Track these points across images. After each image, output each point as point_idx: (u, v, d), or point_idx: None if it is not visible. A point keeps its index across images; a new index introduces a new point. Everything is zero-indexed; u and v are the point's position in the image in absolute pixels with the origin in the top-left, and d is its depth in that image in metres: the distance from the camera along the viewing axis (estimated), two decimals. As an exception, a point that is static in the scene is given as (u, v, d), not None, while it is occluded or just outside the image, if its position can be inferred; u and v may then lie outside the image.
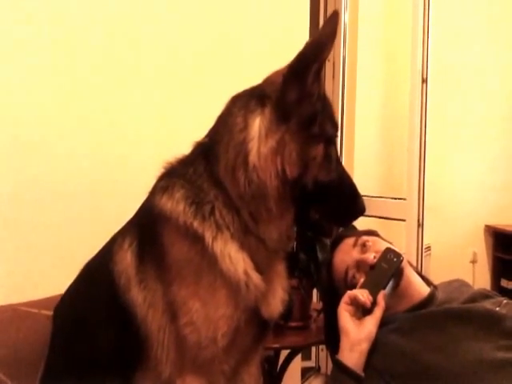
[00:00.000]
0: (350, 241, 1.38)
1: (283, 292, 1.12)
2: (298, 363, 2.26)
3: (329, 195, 1.04)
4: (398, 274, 1.26)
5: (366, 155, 3.06)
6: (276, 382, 1.93)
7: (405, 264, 1.28)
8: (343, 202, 1.08)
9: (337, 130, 1.09)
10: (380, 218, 2.59)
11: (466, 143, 3.74)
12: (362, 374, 1.15)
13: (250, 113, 1.01)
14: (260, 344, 1.16)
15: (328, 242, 1.81)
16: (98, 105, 1.69)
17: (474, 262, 3.92)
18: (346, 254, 1.36)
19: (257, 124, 1.00)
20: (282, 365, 1.93)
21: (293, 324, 1.80)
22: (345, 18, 2.95)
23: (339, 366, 1.16)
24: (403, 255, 1.27)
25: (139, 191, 1.14)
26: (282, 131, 0.99)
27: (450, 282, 1.44)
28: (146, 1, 1.85)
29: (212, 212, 1.02)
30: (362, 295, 1.19)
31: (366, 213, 2.80)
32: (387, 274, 1.24)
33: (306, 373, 3.01)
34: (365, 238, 1.36)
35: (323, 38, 0.98)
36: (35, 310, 1.26)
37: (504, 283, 3.91)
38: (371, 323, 1.18)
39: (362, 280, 1.26)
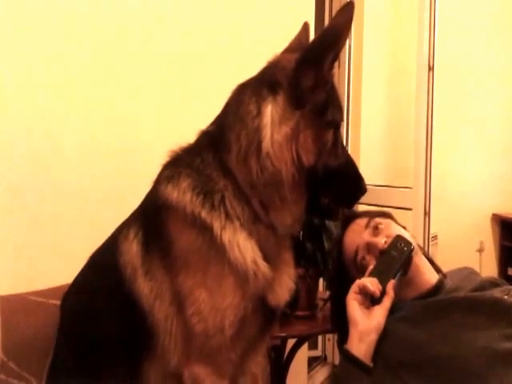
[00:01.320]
0: (362, 221, 1.36)
1: (290, 281, 1.12)
2: (304, 352, 2.27)
3: (337, 179, 1.06)
4: (407, 263, 1.25)
5: (372, 144, 3.05)
6: (282, 371, 1.94)
7: (415, 252, 1.27)
8: (349, 184, 1.10)
9: (343, 116, 1.10)
10: (387, 207, 2.59)
11: (473, 131, 3.71)
12: (371, 365, 1.15)
13: (262, 100, 1.00)
14: (267, 333, 1.16)
15: (334, 230, 1.81)
16: (100, 100, 1.68)
17: (480, 250, 3.91)
18: (357, 235, 1.34)
19: (269, 111, 0.99)
20: (288, 354, 1.94)
21: (299, 313, 1.80)
22: (354, 2, 2.92)
23: (348, 357, 1.16)
24: (413, 243, 1.26)
25: (144, 182, 1.14)
26: (297, 118, 0.99)
27: (459, 270, 1.44)
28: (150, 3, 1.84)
29: (222, 201, 1.02)
30: (372, 284, 1.19)
31: (373, 202, 2.81)
32: (397, 263, 1.23)
33: (312, 362, 3.02)
34: (378, 220, 1.34)
35: (340, 25, 0.98)
36: (43, 300, 1.27)
37: (511, 272, 3.90)
38: (380, 313, 1.17)
39: (371, 267, 1.26)
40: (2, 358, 1.18)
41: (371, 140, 3.05)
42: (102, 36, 1.69)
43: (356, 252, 1.33)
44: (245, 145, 1.00)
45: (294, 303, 1.70)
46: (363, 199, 2.76)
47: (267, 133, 0.99)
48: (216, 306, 1.01)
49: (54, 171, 1.55)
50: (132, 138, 1.76)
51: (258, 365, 1.18)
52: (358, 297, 1.19)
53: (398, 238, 1.26)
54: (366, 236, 1.32)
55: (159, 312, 1.04)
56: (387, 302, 1.18)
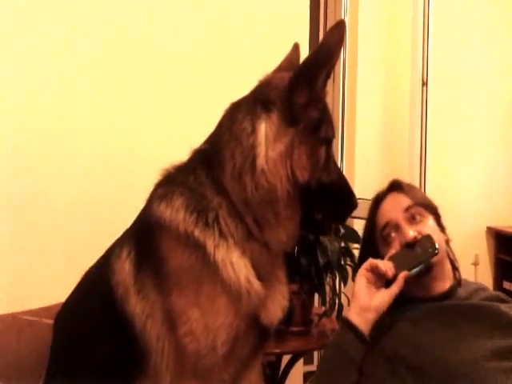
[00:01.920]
0: (405, 200, 1.32)
1: (283, 299, 1.12)
2: (299, 368, 2.25)
3: (329, 194, 1.07)
4: (427, 265, 1.24)
5: (366, 158, 3.06)
6: (278, 387, 1.93)
7: (437, 259, 1.25)
8: (341, 199, 1.12)
9: (335, 133, 1.11)
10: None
11: (467, 145, 3.73)
12: (367, 336, 1.16)
13: (256, 118, 1.01)
14: (260, 352, 1.16)
15: (328, 245, 1.81)
16: (100, 109, 1.69)
17: (475, 264, 3.90)
18: (395, 211, 1.31)
19: (263, 129, 1.00)
20: (283, 370, 1.93)
21: (294, 329, 1.79)
22: (345, 29, 2.95)
23: (344, 322, 1.19)
24: (439, 250, 1.24)
25: (140, 199, 1.14)
26: (291, 135, 1.00)
27: (469, 283, 1.42)
28: (147, 3, 1.85)
29: (216, 219, 1.02)
30: (385, 266, 1.19)
31: (368, 216, 2.78)
32: (417, 260, 1.23)
33: (308, 377, 3.00)
34: (420, 210, 1.32)
35: (332, 43, 1.00)
36: (36, 319, 1.26)
37: (507, 285, 3.89)
38: (384, 297, 1.18)
39: (392, 251, 1.27)
40: (-6, 377, 1.17)
41: (366, 154, 3.06)
42: (101, 45, 1.70)
43: (386, 224, 1.31)
44: (239, 162, 1.01)
45: (288, 319, 1.69)
46: (358, 213, 2.76)
47: (262, 150, 0.99)
48: (208, 325, 1.01)
49: (47, 187, 1.55)
50: (132, 152, 1.76)
51: (252, 383, 1.17)
52: (369, 274, 1.20)
53: (428, 238, 1.25)
54: (401, 219, 1.30)
55: (151, 332, 1.04)
56: (395, 288, 1.19)
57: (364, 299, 1.18)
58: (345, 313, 1.29)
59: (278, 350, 1.74)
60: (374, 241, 1.35)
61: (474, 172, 3.79)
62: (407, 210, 1.31)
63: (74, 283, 1.19)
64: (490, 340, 1.15)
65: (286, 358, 1.93)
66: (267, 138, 1.00)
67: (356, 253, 1.93)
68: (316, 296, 2.02)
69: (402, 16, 2.98)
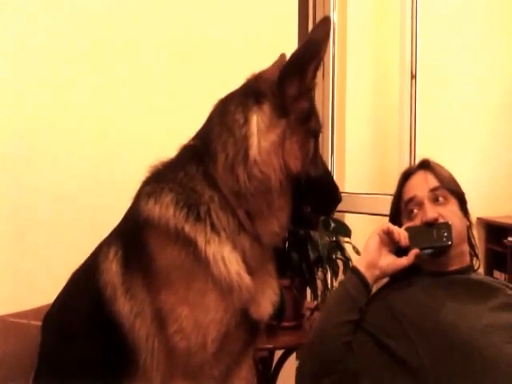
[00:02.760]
0: (433, 181, 1.36)
1: (273, 293, 1.13)
2: (292, 363, 2.25)
3: (317, 189, 1.10)
4: (437, 251, 1.29)
5: (357, 153, 3.06)
6: (271, 383, 1.93)
7: (448, 251, 1.28)
8: (328, 193, 1.15)
9: (321, 126, 1.13)
10: (373, 214, 2.60)
11: (456, 137, 3.75)
12: (370, 283, 1.23)
13: (248, 109, 1.02)
14: (250, 348, 1.16)
15: (319, 240, 1.81)
16: (96, 106, 1.69)
17: (466, 254, 3.93)
18: (421, 189, 1.35)
19: (255, 120, 1.01)
20: (276, 365, 1.94)
21: (286, 324, 1.79)
22: (333, 17, 2.95)
23: (352, 268, 1.27)
24: (453, 242, 1.27)
25: (127, 202, 1.13)
26: (283, 126, 1.02)
27: (479, 273, 1.45)
28: (144, 2, 1.84)
29: (208, 213, 1.02)
30: (399, 233, 1.25)
31: (359, 210, 2.80)
32: (429, 243, 1.27)
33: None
34: (445, 193, 1.34)
35: (319, 37, 1.02)
36: (24, 321, 1.25)
37: (497, 275, 3.93)
38: (392, 263, 1.25)
39: (410, 224, 1.32)
40: (-17, 381, 1.16)
41: (356, 149, 3.06)
42: (98, 44, 1.69)
43: (411, 199, 1.36)
44: (232, 153, 1.01)
45: (280, 314, 1.70)
46: (350, 208, 2.77)
47: (254, 140, 1.00)
48: (199, 322, 1.00)
49: (33, 192, 1.54)
50: (128, 149, 1.75)
51: (242, 380, 1.18)
52: (384, 236, 1.26)
53: (448, 227, 1.28)
54: (426, 197, 1.34)
55: (140, 331, 1.03)
56: (404, 262, 1.25)
57: (373, 256, 1.24)
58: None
59: (270, 346, 1.74)
60: (399, 212, 1.40)
61: (464, 163, 3.81)
62: (433, 190, 1.34)
63: (62, 284, 1.18)
64: (497, 314, 1.17)
65: (278, 354, 1.94)
66: (259, 129, 1.01)
67: (346, 247, 1.94)
68: (308, 290, 2.03)
69: (390, 10, 2.98)
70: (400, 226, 1.34)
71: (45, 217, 1.55)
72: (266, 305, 1.10)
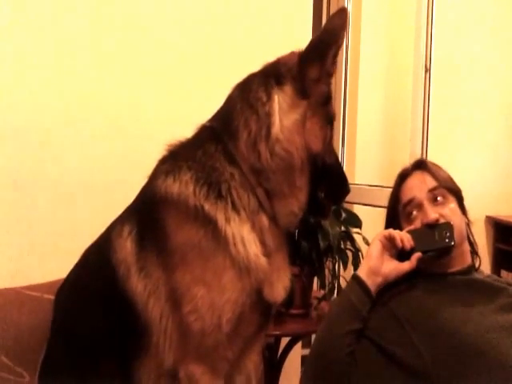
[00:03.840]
0: (431, 181, 1.34)
1: (286, 277, 1.12)
2: (298, 351, 2.26)
3: (330, 175, 1.11)
4: (439, 252, 1.27)
5: (368, 145, 3.05)
6: (276, 370, 1.94)
7: (452, 250, 1.27)
8: (339, 182, 1.16)
9: (335, 114, 1.14)
10: (383, 207, 2.59)
11: (468, 133, 3.72)
12: (372, 292, 1.22)
13: (270, 88, 1.04)
14: (263, 331, 1.16)
15: (329, 229, 1.81)
16: (99, 102, 1.68)
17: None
18: (419, 190, 1.33)
19: (277, 99, 1.03)
20: (282, 352, 1.94)
21: (294, 311, 1.80)
22: (348, 7, 2.93)
23: (354, 277, 1.25)
24: (455, 242, 1.25)
25: (141, 179, 1.13)
26: (304, 106, 1.03)
27: (481, 271, 1.43)
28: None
29: (229, 192, 1.02)
30: (402, 239, 1.24)
31: (369, 202, 2.79)
32: (432, 245, 1.26)
33: (306, 360, 3.00)
34: (444, 192, 1.33)
35: (336, 26, 1.03)
36: (38, 294, 1.26)
37: (504, 274, 3.91)
38: (394, 268, 1.23)
39: (412, 227, 1.30)
40: (-5, 350, 1.17)
41: (367, 141, 3.05)
42: (102, 41, 1.69)
43: (409, 201, 1.34)
44: (254, 130, 1.02)
45: (288, 302, 1.70)
46: (359, 199, 2.76)
47: (276, 118, 1.01)
48: (214, 302, 1.00)
49: (48, 166, 1.55)
50: (130, 140, 1.75)
51: (253, 363, 1.18)
52: (386, 242, 1.25)
53: (449, 227, 1.26)
54: (425, 198, 1.32)
55: (153, 310, 1.03)
56: (406, 266, 1.24)
57: (375, 263, 1.23)
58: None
59: (277, 332, 1.74)
60: (397, 214, 1.38)
61: (474, 160, 3.79)
62: (431, 190, 1.33)
63: (76, 259, 1.18)
64: (500, 315, 1.16)
65: (284, 341, 1.94)
66: (281, 107, 1.02)
67: (356, 237, 1.94)
68: (315, 279, 2.03)
69: (405, 3, 2.96)
70: (398, 228, 1.33)
71: (58, 191, 1.56)
72: (279, 288, 1.09)
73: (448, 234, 1.25)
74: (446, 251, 1.27)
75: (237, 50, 2.04)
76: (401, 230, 1.32)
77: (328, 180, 1.11)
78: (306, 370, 1.29)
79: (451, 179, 1.41)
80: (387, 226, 1.41)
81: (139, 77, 1.78)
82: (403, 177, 1.40)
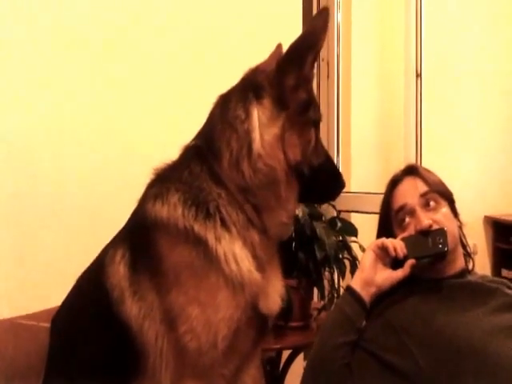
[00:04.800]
0: (422, 186, 1.33)
1: (280, 286, 1.13)
2: (300, 363, 2.25)
3: (320, 177, 1.10)
4: (433, 259, 1.27)
5: (363, 152, 3.06)
6: (278, 383, 1.93)
7: (446, 256, 1.26)
8: (331, 180, 1.15)
9: (321, 115, 1.13)
10: (379, 214, 2.59)
11: (463, 135, 3.73)
12: (366, 302, 1.22)
13: (248, 104, 1.03)
14: (259, 346, 1.17)
15: (325, 239, 1.81)
16: (98, 108, 1.69)
17: (474, 253, 3.90)
18: (411, 196, 1.33)
19: (256, 113, 1.02)
20: (283, 365, 1.94)
21: (293, 324, 1.80)
22: (338, 17, 2.95)
23: (347, 288, 1.25)
24: (448, 248, 1.25)
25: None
26: (283, 118, 1.03)
27: (476, 273, 1.43)
28: (147, 3, 1.85)
29: (217, 210, 1.02)
30: (395, 247, 1.23)
31: (366, 209, 2.79)
32: (425, 252, 1.26)
33: (303, 373, 2.98)
34: (436, 197, 1.32)
35: (317, 28, 1.02)
36: (34, 323, 1.26)
37: (505, 273, 3.91)
38: (388, 277, 1.23)
39: (405, 234, 1.29)
40: (-8, 383, 1.17)
41: (362, 148, 3.06)
42: (100, 46, 1.70)
43: (401, 208, 1.33)
44: (236, 149, 1.02)
45: (287, 314, 1.70)
46: (356, 207, 2.76)
47: (256, 134, 1.01)
48: (209, 320, 1.00)
49: (34, 191, 1.54)
50: (130, 150, 1.76)
51: (252, 378, 1.18)
52: (378, 251, 1.25)
53: (442, 233, 1.26)
54: (417, 204, 1.31)
55: (148, 332, 1.03)
56: (400, 274, 1.23)
57: (368, 273, 1.23)
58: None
59: (277, 346, 1.74)
60: (389, 221, 1.37)
61: (470, 161, 3.80)
62: (423, 195, 1.32)
63: (71, 286, 1.18)
64: (496, 316, 1.17)
65: (285, 354, 1.94)
66: (261, 122, 1.02)
67: (353, 246, 1.94)
68: (315, 290, 2.03)
69: (395, 8, 2.97)
70: (391, 234, 1.33)
71: (50, 219, 1.56)
72: (275, 298, 1.10)
73: (441, 240, 1.25)
74: (440, 257, 1.27)
75: (225, 58, 2.04)
76: (393, 236, 1.32)
77: (319, 181, 1.10)
78: (303, 380, 1.28)
79: (442, 183, 1.40)
80: (379, 233, 1.41)
81: (134, 95, 1.79)
82: (394, 183, 1.39)
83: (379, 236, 1.38)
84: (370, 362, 1.20)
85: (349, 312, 1.22)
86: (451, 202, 1.38)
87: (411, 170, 1.39)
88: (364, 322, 1.30)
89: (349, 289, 1.25)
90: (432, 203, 1.32)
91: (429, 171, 1.41)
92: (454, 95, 3.58)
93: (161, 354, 1.03)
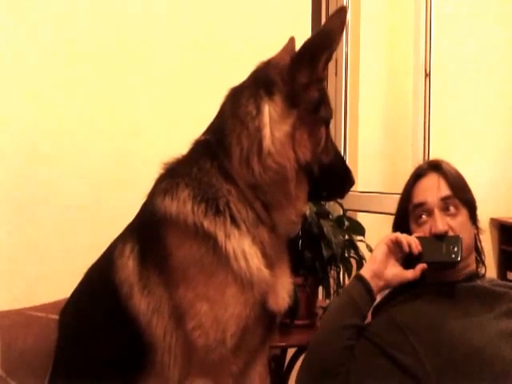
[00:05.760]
0: (445, 189, 1.30)
1: (289, 283, 1.13)
2: (304, 361, 2.25)
3: (330, 175, 1.10)
4: (445, 265, 1.26)
5: (370, 152, 3.05)
6: (283, 381, 1.93)
7: (457, 265, 1.26)
8: (341, 177, 1.15)
9: (332, 113, 1.13)
10: (385, 213, 2.58)
11: (470, 136, 3.71)
12: (374, 292, 1.22)
13: (260, 100, 1.02)
14: (267, 343, 1.17)
15: (332, 238, 1.81)
16: (102, 105, 1.69)
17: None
18: (432, 195, 1.30)
19: (268, 110, 1.01)
20: (288, 363, 1.93)
21: (299, 322, 1.79)
22: (347, 15, 2.93)
23: (357, 276, 1.26)
24: (461, 258, 1.24)
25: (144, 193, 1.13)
26: (294, 115, 1.02)
27: (484, 277, 1.42)
28: (149, 2, 1.85)
29: (227, 206, 1.02)
30: (410, 243, 1.22)
31: (372, 209, 2.79)
32: (438, 258, 1.25)
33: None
34: (457, 203, 1.30)
35: (333, 27, 1.02)
36: (43, 314, 1.26)
37: (510, 276, 3.89)
38: (398, 275, 1.23)
39: (420, 234, 1.28)
40: (1, 375, 1.17)
41: (369, 148, 3.05)
42: (104, 44, 1.70)
43: (421, 204, 1.31)
44: (246, 146, 1.01)
45: (293, 312, 1.69)
46: (362, 207, 2.75)
47: (267, 131, 1.00)
48: (218, 317, 1.00)
49: (51, 182, 1.55)
50: (136, 145, 1.76)
51: (258, 375, 1.18)
52: (392, 246, 1.24)
53: (457, 240, 1.25)
54: (437, 206, 1.29)
55: (157, 328, 1.03)
56: (410, 275, 1.23)
57: (379, 266, 1.23)
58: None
59: (283, 344, 1.74)
60: (407, 212, 1.36)
61: (477, 163, 3.78)
62: (444, 199, 1.30)
63: (79, 278, 1.18)
64: (502, 322, 1.16)
65: (290, 352, 1.94)
66: (272, 119, 1.01)
67: (360, 245, 1.93)
68: (320, 289, 2.03)
69: (405, 7, 2.96)
70: (407, 227, 1.32)
71: (59, 211, 1.56)
72: (283, 295, 1.10)
73: (455, 249, 1.23)
74: (451, 266, 1.26)
75: (234, 55, 2.04)
76: (408, 228, 1.31)
77: (328, 179, 1.10)
78: (304, 359, 1.28)
79: (466, 187, 1.37)
80: (396, 224, 1.40)
81: (139, 94, 1.79)
82: (417, 176, 1.36)
83: (396, 226, 1.38)
84: (374, 352, 1.20)
85: (356, 297, 1.22)
86: (472, 210, 1.35)
87: (436, 166, 1.36)
88: (369, 318, 1.31)
89: (358, 276, 1.25)
90: (452, 209, 1.29)
91: (454, 170, 1.38)
92: (463, 95, 3.56)
93: (169, 350, 1.03)
